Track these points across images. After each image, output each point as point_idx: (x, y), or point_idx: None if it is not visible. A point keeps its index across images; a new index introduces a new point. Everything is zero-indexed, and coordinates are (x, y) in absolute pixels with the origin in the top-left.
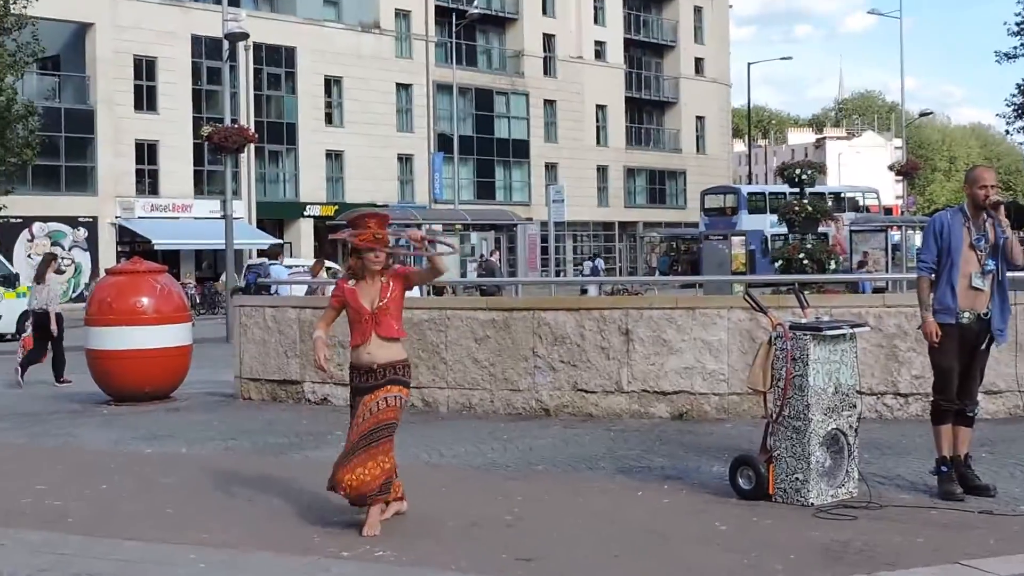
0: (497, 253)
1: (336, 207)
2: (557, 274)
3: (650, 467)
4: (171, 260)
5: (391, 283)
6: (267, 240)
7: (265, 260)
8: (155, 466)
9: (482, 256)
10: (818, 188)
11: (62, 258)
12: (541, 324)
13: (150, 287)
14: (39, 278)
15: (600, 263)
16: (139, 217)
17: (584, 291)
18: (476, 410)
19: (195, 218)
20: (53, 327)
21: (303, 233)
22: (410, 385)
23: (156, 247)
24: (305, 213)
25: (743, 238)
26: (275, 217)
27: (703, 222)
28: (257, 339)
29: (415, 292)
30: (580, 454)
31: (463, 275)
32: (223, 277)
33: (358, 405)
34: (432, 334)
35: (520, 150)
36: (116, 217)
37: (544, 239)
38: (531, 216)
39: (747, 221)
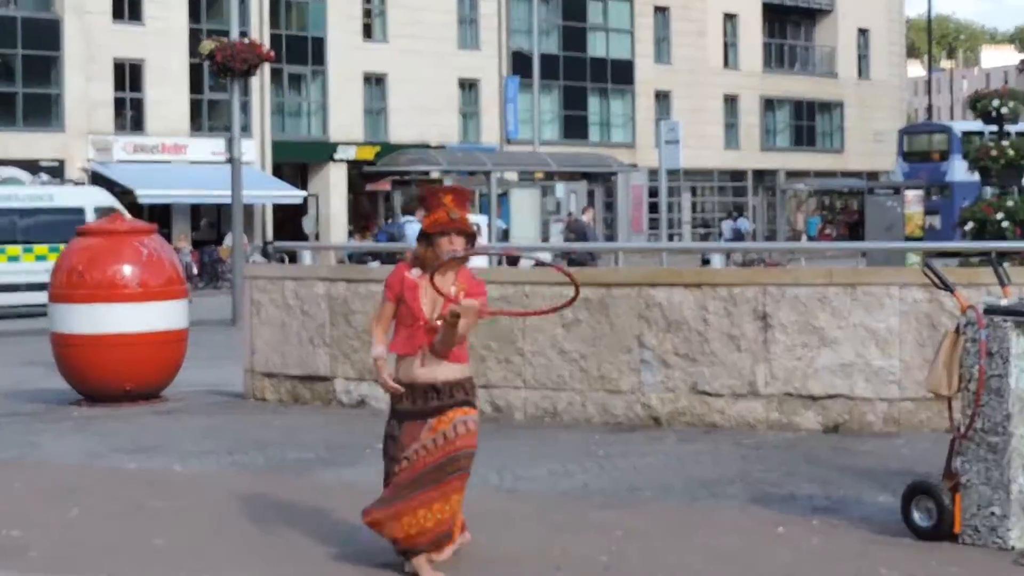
0: (591, 211)
1: (377, 149)
2: (670, 238)
3: (794, 495)
4: (160, 217)
5: (463, 294)
6: (287, 191)
7: (407, 217)
8: (140, 487)
9: (570, 215)
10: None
11: None
12: (650, 305)
13: (133, 252)
14: None
15: (745, 224)
16: (119, 161)
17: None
18: (562, 417)
19: (191, 163)
20: None
21: (333, 183)
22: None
23: (141, 200)
24: (336, 156)
25: (918, 193)
26: (296, 161)
27: (901, 170)
28: (274, 321)
29: (482, 261)
30: (701, 477)
31: (546, 239)
32: (228, 239)
33: (403, 433)
34: (505, 318)
35: (621, 74)
36: (88, 161)
37: (653, 192)
38: (636, 162)
39: (959, 169)
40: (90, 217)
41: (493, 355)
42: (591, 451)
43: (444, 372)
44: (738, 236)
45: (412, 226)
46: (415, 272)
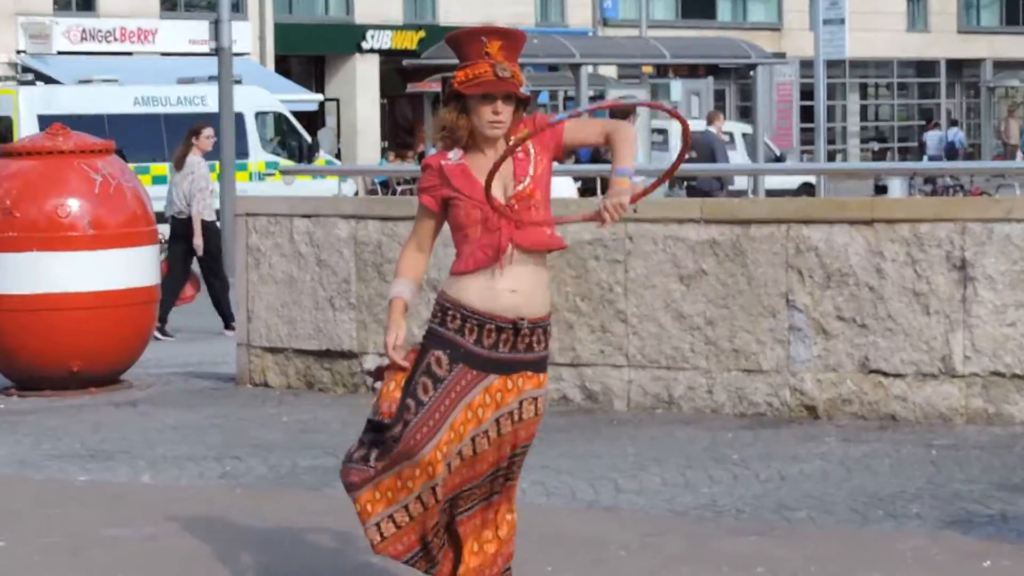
0: (720, 118)
1: (421, 35)
2: (831, 157)
3: (1006, 516)
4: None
5: (532, 146)
6: (296, 94)
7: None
8: (94, 506)
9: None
10: None
11: None
12: (802, 249)
13: (83, 181)
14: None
15: (960, 135)
16: (60, 52)
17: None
18: (680, 407)
19: (162, 54)
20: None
21: (360, 83)
22: None
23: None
24: (365, 45)
25: None
26: (308, 52)
27: None
28: (279, 276)
29: (564, 190)
30: (874, 490)
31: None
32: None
33: (451, 381)
34: (600, 268)
35: None
36: (18, 52)
37: (807, 93)
38: (783, 51)
39: None
40: (251, 126)
41: (584, 321)
42: (721, 454)
43: (533, 299)
44: (951, 153)
45: (711, 137)
46: (455, 154)
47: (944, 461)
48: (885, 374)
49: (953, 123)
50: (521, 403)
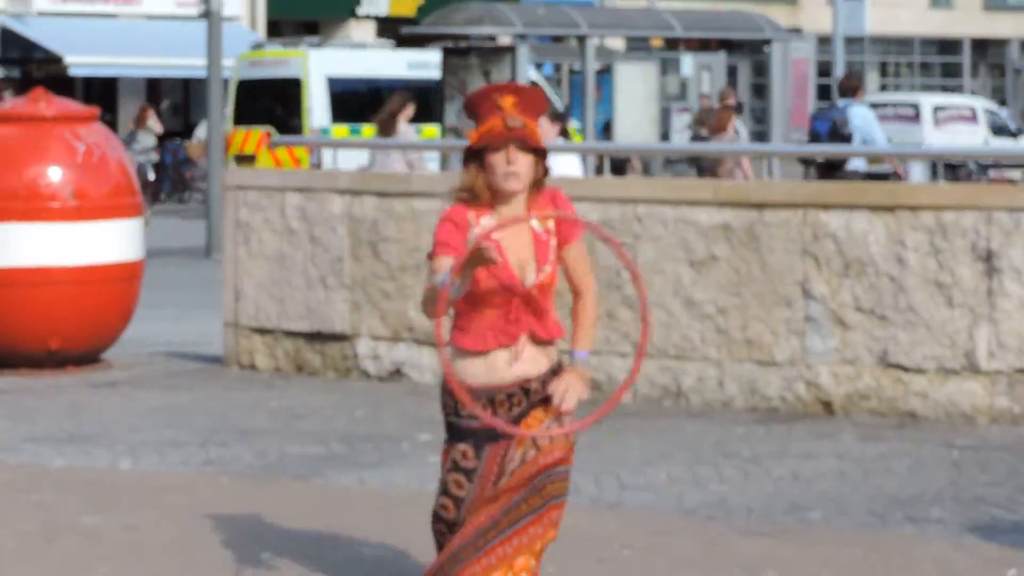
0: (733, 96)
1: (420, 1)
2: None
3: None
4: (103, 97)
5: (550, 228)
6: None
7: (846, 100)
8: (70, 493)
9: (704, 101)
10: None
11: None
12: (819, 236)
13: (65, 149)
14: None
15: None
16: (40, 14)
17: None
18: (690, 400)
19: (148, 17)
20: None
21: None
22: None
23: (73, 71)
24: (360, 11)
25: None
26: (301, 17)
27: None
28: (269, 253)
29: (574, 168)
30: (893, 492)
31: (665, 137)
32: (200, 131)
33: (484, 463)
34: (606, 251)
35: None
36: None
37: (824, 70)
38: (799, 25)
39: None
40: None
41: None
42: (732, 450)
43: (539, 361)
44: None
45: (858, 110)
46: (488, 220)
47: (966, 462)
48: (905, 369)
49: (1003, 104)
50: (548, 427)
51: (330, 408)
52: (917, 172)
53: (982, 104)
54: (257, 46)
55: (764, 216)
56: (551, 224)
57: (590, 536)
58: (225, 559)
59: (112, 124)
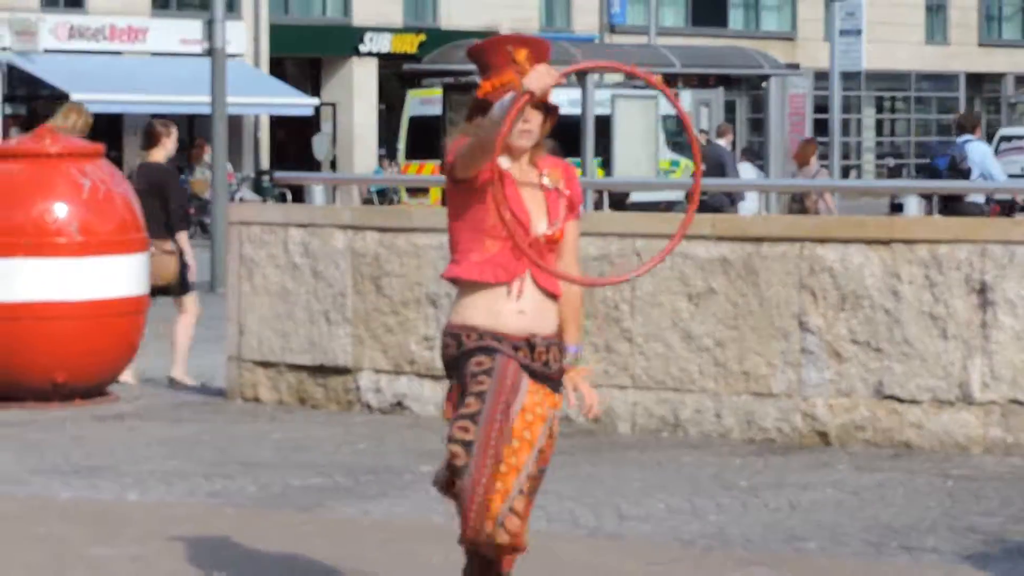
0: (730, 132)
1: (421, 38)
2: (845, 173)
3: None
4: (108, 133)
5: (561, 188)
6: (292, 98)
7: (966, 136)
8: (78, 524)
9: (704, 136)
10: None
11: None
12: (816, 269)
13: (70, 185)
14: None
15: None
16: (46, 51)
17: (898, 207)
18: (687, 431)
19: (153, 55)
20: None
21: (359, 85)
22: None
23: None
24: (363, 48)
25: None
26: (305, 54)
27: None
28: (273, 288)
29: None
30: (888, 521)
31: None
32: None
33: (499, 371)
34: (606, 288)
35: None
36: (3, 50)
37: (821, 106)
38: (796, 61)
39: None
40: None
41: (588, 339)
42: (729, 481)
43: (544, 322)
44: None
45: (976, 145)
46: (505, 159)
47: (961, 492)
48: (900, 400)
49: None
50: (552, 421)
51: (333, 440)
52: None
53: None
54: (428, 84)
55: (761, 250)
56: (562, 184)
57: (589, 567)
58: None
59: (117, 160)
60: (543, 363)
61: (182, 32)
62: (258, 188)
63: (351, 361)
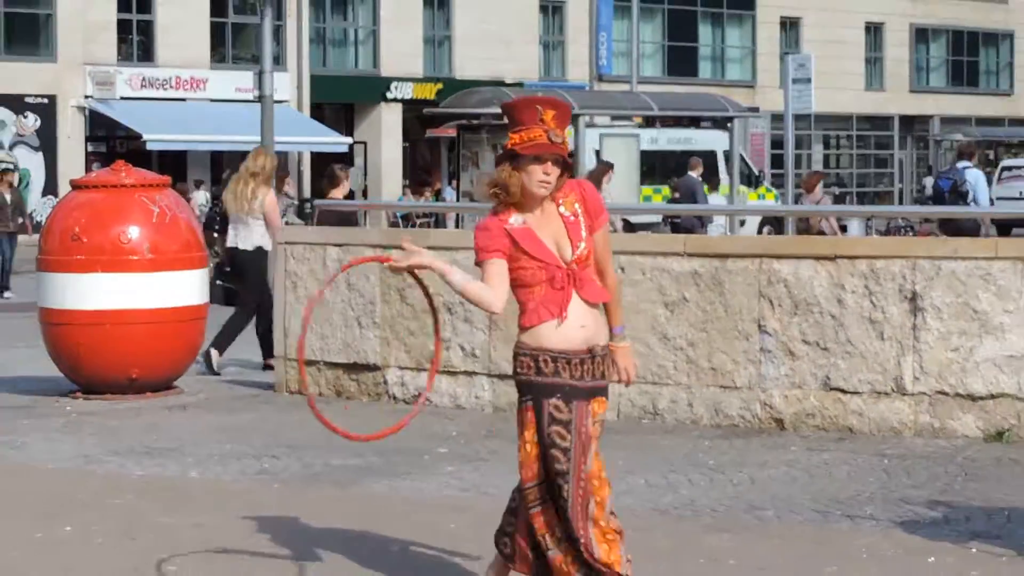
0: (700, 165)
1: (439, 86)
2: (798, 200)
3: (948, 518)
4: (174, 167)
5: (579, 207)
6: (329, 137)
7: (964, 163)
8: (149, 497)
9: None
10: None
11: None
12: (773, 281)
13: (142, 211)
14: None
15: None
16: (122, 98)
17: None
18: (664, 418)
19: (212, 100)
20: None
21: (386, 126)
22: None
23: (150, 146)
24: (389, 95)
25: None
26: (340, 100)
27: None
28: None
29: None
30: (833, 493)
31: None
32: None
33: (578, 416)
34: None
35: None
36: (86, 97)
37: (777, 142)
38: (756, 105)
39: None
40: (721, 164)
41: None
42: (699, 460)
43: (600, 332)
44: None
45: (973, 172)
46: (517, 219)
47: (895, 469)
48: (844, 391)
49: (928, 171)
50: (601, 422)
51: (365, 426)
52: None
53: None
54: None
55: (727, 265)
56: (578, 207)
57: None
58: (277, 552)
59: (182, 192)
60: (601, 372)
61: (237, 82)
62: (301, 213)
63: (380, 359)
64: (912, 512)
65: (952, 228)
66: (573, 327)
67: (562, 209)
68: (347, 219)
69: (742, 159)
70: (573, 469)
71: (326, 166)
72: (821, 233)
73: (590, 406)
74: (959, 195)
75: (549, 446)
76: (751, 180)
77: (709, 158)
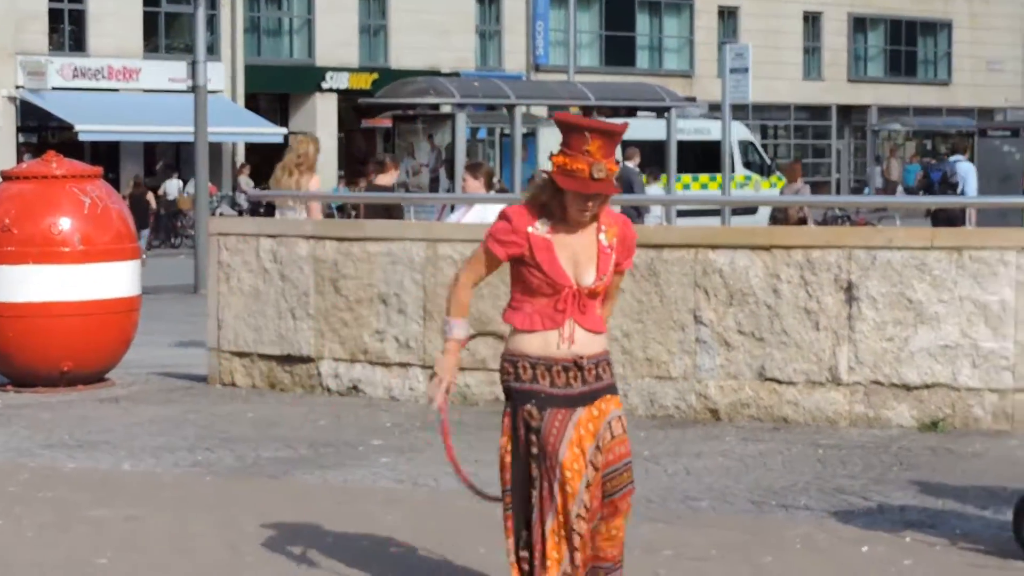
0: (638, 155)
1: (375, 76)
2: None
3: (883, 506)
4: (106, 158)
5: (614, 245)
6: (263, 128)
7: (956, 156)
8: (79, 490)
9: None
10: None
11: None
12: (708, 271)
13: (73, 202)
14: None
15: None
16: (54, 88)
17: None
18: None
19: (145, 91)
20: None
21: (320, 118)
22: None
23: (82, 137)
24: (324, 85)
25: None
26: (275, 91)
27: None
28: (246, 289)
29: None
30: (768, 484)
31: None
32: (187, 187)
33: (547, 424)
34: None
35: None
36: (17, 87)
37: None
38: (694, 95)
39: None
40: (736, 151)
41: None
42: (635, 451)
43: (591, 346)
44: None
45: (963, 165)
46: (542, 225)
47: (829, 459)
48: (779, 382)
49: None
50: (610, 423)
51: (298, 418)
52: None
53: None
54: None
55: (662, 255)
56: (615, 240)
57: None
58: (210, 543)
59: (115, 182)
60: (595, 376)
61: (170, 72)
62: (234, 204)
63: (313, 351)
64: (846, 502)
65: (943, 219)
66: (560, 342)
67: (602, 237)
68: (391, 212)
69: (755, 149)
70: (539, 478)
71: (261, 156)
72: (802, 221)
73: (596, 407)
74: (949, 186)
75: (524, 453)
76: (763, 169)
77: (652, 147)
